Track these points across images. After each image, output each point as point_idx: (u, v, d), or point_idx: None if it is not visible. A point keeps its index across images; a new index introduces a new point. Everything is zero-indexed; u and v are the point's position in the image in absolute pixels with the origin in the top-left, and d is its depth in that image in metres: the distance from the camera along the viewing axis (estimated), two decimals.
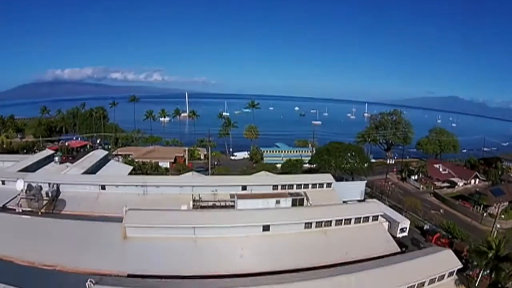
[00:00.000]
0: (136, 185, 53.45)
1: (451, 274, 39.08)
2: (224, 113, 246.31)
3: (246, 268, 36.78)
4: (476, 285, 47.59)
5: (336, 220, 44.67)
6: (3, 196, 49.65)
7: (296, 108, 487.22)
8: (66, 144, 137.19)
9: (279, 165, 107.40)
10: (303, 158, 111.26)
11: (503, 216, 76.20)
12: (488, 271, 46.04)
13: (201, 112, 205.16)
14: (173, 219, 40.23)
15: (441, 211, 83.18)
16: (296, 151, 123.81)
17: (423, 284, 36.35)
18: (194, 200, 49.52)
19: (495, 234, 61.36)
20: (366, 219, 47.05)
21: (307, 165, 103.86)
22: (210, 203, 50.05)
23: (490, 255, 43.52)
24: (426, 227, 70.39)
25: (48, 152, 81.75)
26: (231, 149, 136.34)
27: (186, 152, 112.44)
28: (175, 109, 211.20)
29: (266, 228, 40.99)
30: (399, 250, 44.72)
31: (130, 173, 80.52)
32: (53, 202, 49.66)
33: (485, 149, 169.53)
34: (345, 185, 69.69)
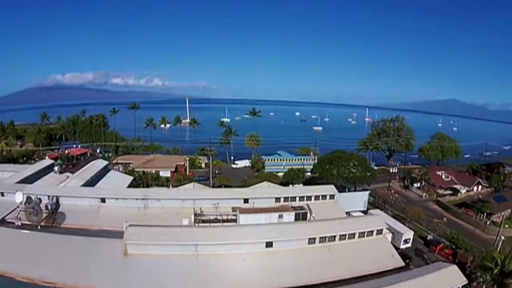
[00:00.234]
0: (137, 199, 52.70)
1: None
2: (224, 119, 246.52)
3: (249, 285, 36.23)
4: None
5: (340, 235, 43.88)
6: (2, 208, 48.81)
7: (297, 113, 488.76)
8: (66, 152, 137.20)
9: (281, 174, 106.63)
10: (305, 166, 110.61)
11: (507, 225, 75.38)
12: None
13: (201, 118, 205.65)
14: (175, 236, 39.53)
15: (444, 219, 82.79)
16: (298, 160, 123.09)
17: None
18: (195, 214, 48.76)
19: (499, 245, 60.69)
20: (370, 233, 46.26)
21: (309, 174, 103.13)
22: (212, 217, 49.27)
23: (495, 271, 42.89)
24: (429, 237, 69.87)
25: (47, 162, 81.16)
26: (232, 157, 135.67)
27: (187, 161, 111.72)
28: (175, 116, 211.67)
29: (269, 244, 40.23)
30: (403, 264, 43.95)
31: (131, 183, 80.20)
32: (53, 215, 48.88)
33: (487, 153, 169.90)
34: (348, 196, 69.11)
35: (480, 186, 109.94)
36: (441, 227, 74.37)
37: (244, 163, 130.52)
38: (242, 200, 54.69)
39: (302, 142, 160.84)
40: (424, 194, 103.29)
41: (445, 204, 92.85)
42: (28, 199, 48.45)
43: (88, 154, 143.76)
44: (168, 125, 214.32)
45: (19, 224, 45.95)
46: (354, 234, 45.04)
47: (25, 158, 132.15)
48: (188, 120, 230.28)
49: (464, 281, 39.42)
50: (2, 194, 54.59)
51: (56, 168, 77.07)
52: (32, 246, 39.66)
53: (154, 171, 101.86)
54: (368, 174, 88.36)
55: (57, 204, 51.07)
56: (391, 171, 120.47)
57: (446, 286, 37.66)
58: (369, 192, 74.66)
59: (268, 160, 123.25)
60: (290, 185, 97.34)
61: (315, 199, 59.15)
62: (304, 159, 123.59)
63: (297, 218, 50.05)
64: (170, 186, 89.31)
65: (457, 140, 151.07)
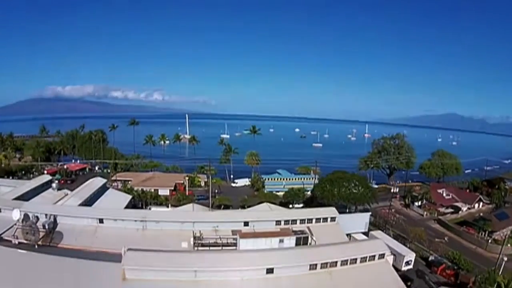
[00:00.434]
0: (135, 220, 51.99)
1: None
2: (224, 136, 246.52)
3: None
4: None
5: (342, 261, 43.16)
6: None
7: (297, 130, 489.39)
8: (65, 167, 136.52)
9: (281, 193, 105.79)
10: (305, 185, 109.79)
11: (509, 244, 74.55)
12: None
13: (201, 134, 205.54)
14: (174, 261, 38.76)
15: (446, 238, 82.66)
16: (298, 179, 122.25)
17: None
18: (195, 237, 48.05)
19: (502, 264, 60.18)
20: (372, 257, 45.54)
21: (309, 193, 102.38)
22: (212, 241, 48.49)
23: None
24: (431, 258, 69.46)
25: (45, 178, 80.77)
26: (231, 176, 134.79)
27: (186, 180, 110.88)
28: (175, 133, 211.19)
29: (269, 270, 39.46)
30: None
31: (129, 202, 79.51)
32: (50, 235, 48.39)
33: (488, 168, 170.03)
34: (350, 218, 68.26)
35: (481, 203, 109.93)
36: (443, 247, 73.77)
37: (243, 181, 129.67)
38: (242, 223, 54.01)
39: (302, 160, 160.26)
40: (425, 212, 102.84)
41: (446, 223, 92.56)
42: (25, 217, 48.14)
43: (87, 169, 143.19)
44: (167, 142, 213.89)
45: (16, 242, 45.61)
46: (356, 259, 44.36)
47: (23, 172, 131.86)
48: (187, 136, 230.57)
49: None
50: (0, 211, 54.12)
51: (54, 185, 76.80)
52: (29, 267, 39.35)
53: (153, 190, 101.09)
54: (369, 194, 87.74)
55: (54, 223, 50.57)
56: (392, 190, 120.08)
57: None
58: (370, 213, 74.05)
59: (268, 179, 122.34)
60: (290, 205, 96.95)
61: (316, 222, 58.64)
62: (304, 178, 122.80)
63: (298, 242, 49.19)
64: (169, 205, 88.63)
65: (457, 157, 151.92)
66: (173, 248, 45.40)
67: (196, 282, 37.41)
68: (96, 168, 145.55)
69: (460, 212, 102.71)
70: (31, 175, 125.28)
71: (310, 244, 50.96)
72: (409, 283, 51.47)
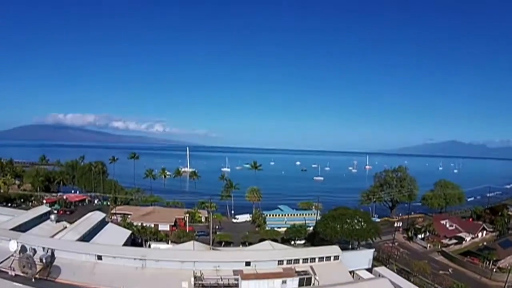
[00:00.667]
0: (135, 258, 50.72)
1: None
2: (225, 169, 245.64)
3: None
4: None
5: None
6: None
7: (298, 163, 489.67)
8: (65, 197, 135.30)
9: (282, 229, 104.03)
10: (307, 221, 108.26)
11: None
12: None
13: (202, 167, 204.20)
14: None
15: (450, 270, 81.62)
16: (300, 215, 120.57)
17: None
18: (195, 277, 46.83)
19: None
20: None
21: (311, 229, 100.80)
22: (213, 281, 47.15)
23: None
24: None
25: (44, 209, 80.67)
26: (232, 211, 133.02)
27: (187, 216, 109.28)
28: (176, 167, 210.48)
29: None
30: None
31: (129, 238, 78.25)
32: (48, 268, 47.57)
33: (490, 194, 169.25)
34: (353, 255, 67.41)
35: (484, 232, 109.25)
36: (447, 279, 72.26)
37: (245, 217, 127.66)
38: (244, 263, 52.70)
39: (304, 195, 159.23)
40: (428, 245, 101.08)
41: (450, 254, 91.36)
42: (23, 249, 47.74)
43: (87, 200, 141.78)
44: (168, 175, 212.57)
45: (13, 274, 45.12)
46: None
47: (22, 200, 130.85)
48: (188, 170, 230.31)
49: None
50: None
51: (52, 216, 76.43)
52: None
53: (153, 225, 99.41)
54: (372, 230, 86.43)
55: (52, 257, 49.84)
56: (395, 225, 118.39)
57: None
58: (373, 250, 72.73)
59: (270, 215, 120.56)
60: (292, 242, 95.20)
61: (319, 261, 57.42)
62: (306, 214, 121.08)
63: (301, 283, 48.09)
64: (169, 241, 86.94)
65: (459, 186, 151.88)
66: None
67: None
68: (96, 201, 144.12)
69: (463, 242, 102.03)
70: (30, 204, 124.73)
71: (313, 284, 49.74)
72: None
